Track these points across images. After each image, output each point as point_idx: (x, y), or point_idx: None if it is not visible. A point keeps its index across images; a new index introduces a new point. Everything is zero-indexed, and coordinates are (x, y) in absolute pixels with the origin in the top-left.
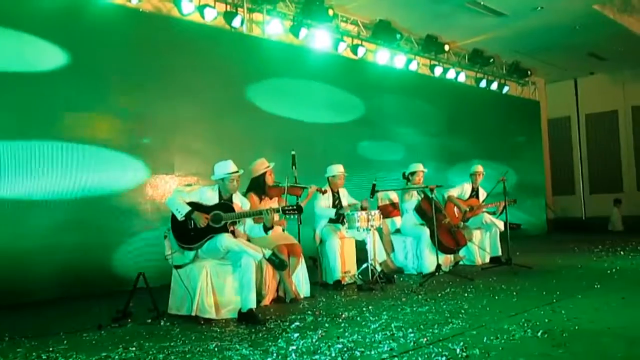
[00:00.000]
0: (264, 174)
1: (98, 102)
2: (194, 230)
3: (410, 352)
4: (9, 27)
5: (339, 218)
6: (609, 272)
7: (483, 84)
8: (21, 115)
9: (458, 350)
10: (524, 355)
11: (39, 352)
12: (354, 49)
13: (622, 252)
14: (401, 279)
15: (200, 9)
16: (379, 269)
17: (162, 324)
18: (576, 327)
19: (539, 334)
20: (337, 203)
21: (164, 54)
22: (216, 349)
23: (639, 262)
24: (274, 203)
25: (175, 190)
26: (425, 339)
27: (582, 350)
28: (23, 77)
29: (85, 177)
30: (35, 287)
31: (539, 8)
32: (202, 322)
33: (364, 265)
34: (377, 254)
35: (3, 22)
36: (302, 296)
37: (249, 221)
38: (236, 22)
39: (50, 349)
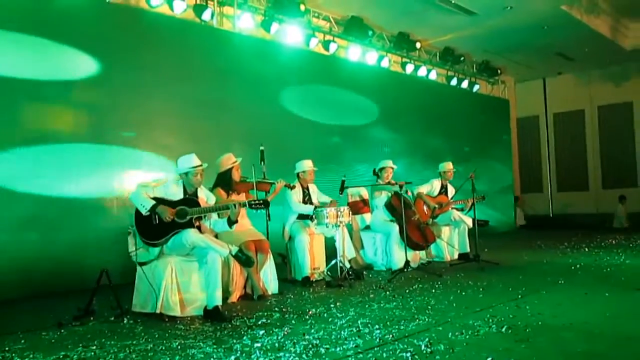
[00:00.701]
0: (230, 169)
1: (61, 95)
2: (159, 225)
3: (375, 349)
4: None
5: (310, 214)
6: (573, 268)
7: (454, 82)
8: None
9: (423, 346)
10: (488, 350)
11: None
12: (326, 44)
13: (586, 249)
14: (370, 275)
15: (169, 1)
16: (348, 265)
17: (125, 322)
18: (539, 323)
19: (503, 329)
20: (307, 199)
21: (132, 47)
22: (179, 347)
23: (602, 259)
24: (241, 198)
25: (139, 185)
26: (391, 335)
27: (544, 345)
28: None
29: (47, 173)
30: None
31: (509, 8)
32: (167, 320)
33: (333, 262)
34: (346, 250)
35: None
36: (270, 293)
37: (213, 215)
38: (206, 15)
39: (7, 348)
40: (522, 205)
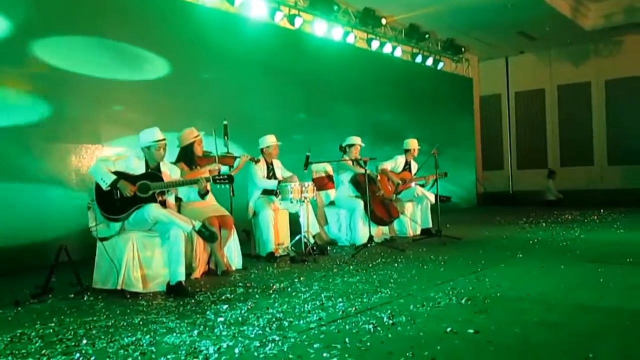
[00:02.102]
0: (192, 144)
1: (11, 56)
2: (120, 200)
3: (338, 321)
4: None
5: (273, 190)
6: (531, 242)
7: (419, 59)
8: None
9: (385, 318)
10: (448, 321)
11: None
12: (291, 19)
13: (544, 224)
14: (334, 250)
15: None
16: (312, 241)
17: (85, 299)
18: (498, 294)
19: (463, 301)
20: (271, 174)
21: (92, 16)
22: (141, 323)
23: (558, 233)
24: (205, 173)
25: (99, 159)
26: (353, 308)
27: (502, 316)
28: None
29: (3, 146)
30: None
31: None
32: (129, 296)
33: (297, 237)
34: (310, 225)
35: None
36: (234, 268)
37: (184, 187)
38: None
39: None
40: (483, 181)
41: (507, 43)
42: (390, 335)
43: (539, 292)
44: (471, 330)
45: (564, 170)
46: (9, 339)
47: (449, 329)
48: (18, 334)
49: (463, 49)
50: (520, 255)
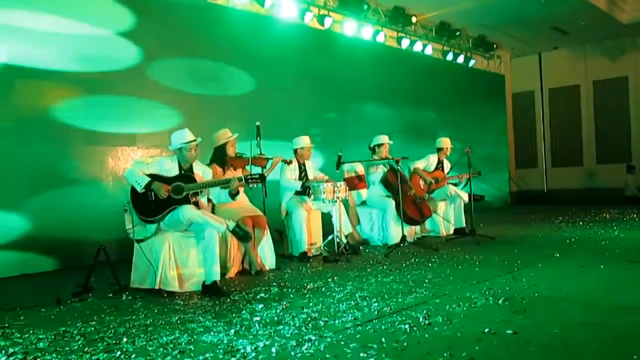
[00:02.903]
0: (225, 145)
1: (52, 68)
2: (155, 202)
3: (374, 321)
4: None
5: (305, 190)
6: (568, 241)
7: (449, 57)
8: None
9: (421, 318)
10: (486, 321)
11: None
12: (321, 19)
13: (581, 223)
14: (367, 250)
15: None
16: (344, 240)
17: (124, 298)
18: (536, 294)
19: (500, 301)
20: (303, 175)
21: (126, 22)
22: (179, 322)
23: (596, 232)
24: (237, 174)
25: (134, 161)
26: (389, 308)
27: (541, 316)
28: None
29: (45, 150)
30: None
31: None
32: (166, 295)
33: (330, 237)
34: (342, 225)
35: None
36: (267, 268)
37: (213, 189)
38: None
39: (6, 325)
40: (517, 180)
41: (540, 39)
42: (427, 336)
43: (578, 292)
44: (510, 331)
45: (599, 167)
46: (52, 337)
47: (486, 330)
48: (61, 332)
49: (495, 46)
50: (557, 255)
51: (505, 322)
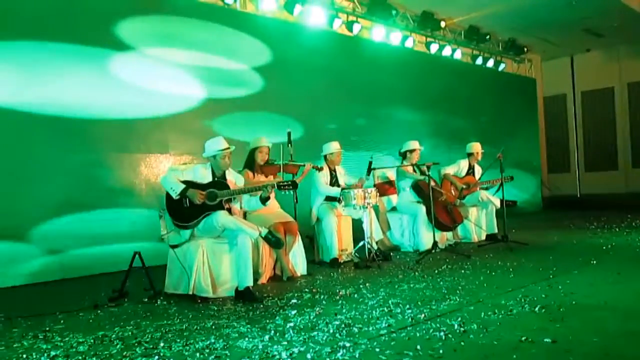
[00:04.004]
0: (254, 151)
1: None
2: (190, 208)
3: (408, 328)
4: None
5: (337, 197)
6: (604, 248)
7: (479, 61)
8: None
9: (456, 326)
10: (522, 329)
11: (35, 331)
12: (349, 25)
13: (617, 229)
14: (398, 256)
15: None
16: (375, 246)
17: (158, 303)
18: (573, 302)
19: (536, 309)
20: (334, 181)
21: (156, 31)
22: (214, 327)
23: (634, 239)
24: (268, 180)
25: (170, 168)
26: (422, 315)
27: (580, 325)
28: None
29: (81, 157)
30: (33, 268)
31: None
32: (199, 301)
33: (361, 243)
34: (373, 231)
35: None
36: (299, 274)
37: (244, 196)
38: None
39: (47, 328)
40: (549, 184)
41: (571, 41)
42: (462, 344)
43: (617, 300)
44: (548, 340)
45: (636, 172)
46: (92, 341)
47: (523, 338)
48: (100, 336)
49: (525, 49)
50: (594, 262)
51: (542, 331)
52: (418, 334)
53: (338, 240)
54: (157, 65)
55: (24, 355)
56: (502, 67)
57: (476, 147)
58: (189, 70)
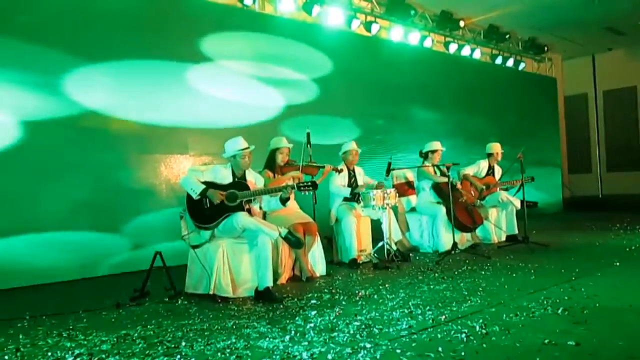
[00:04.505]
0: (275, 152)
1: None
2: (210, 209)
3: (429, 329)
4: None
5: (355, 197)
6: (627, 250)
7: (499, 60)
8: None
9: (477, 328)
10: (545, 332)
11: (59, 330)
12: (368, 25)
13: None
14: (417, 257)
15: None
16: (394, 247)
17: (179, 302)
18: (597, 305)
19: (559, 311)
20: (352, 181)
21: (174, 32)
22: (234, 327)
23: None
24: (286, 181)
25: (190, 169)
26: (443, 317)
27: (604, 328)
28: None
29: (99, 158)
30: (54, 267)
31: None
32: (220, 301)
33: (380, 244)
34: (392, 232)
35: None
36: (318, 274)
37: (265, 195)
38: (248, 0)
39: (71, 327)
40: (570, 185)
41: (593, 40)
42: (484, 345)
43: None
44: (572, 342)
45: None
46: (114, 339)
47: (546, 341)
48: (122, 335)
49: (546, 48)
50: (618, 264)
51: (566, 333)
52: (439, 336)
53: (357, 240)
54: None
55: (49, 353)
56: (522, 66)
57: (496, 147)
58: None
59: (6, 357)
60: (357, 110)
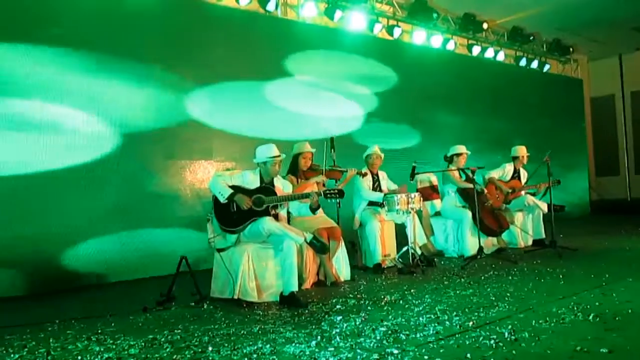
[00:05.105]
0: (298, 156)
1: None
2: (237, 213)
3: (457, 336)
4: None
5: (380, 201)
6: None
7: (523, 62)
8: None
9: (506, 334)
10: (576, 338)
11: (88, 334)
12: (390, 29)
13: None
14: (442, 262)
15: None
16: (419, 252)
17: (205, 307)
18: (629, 311)
19: (590, 317)
20: (376, 186)
21: (198, 39)
22: (260, 332)
23: None
24: (313, 186)
25: (217, 173)
26: (471, 323)
27: (638, 334)
28: None
29: (126, 163)
30: (82, 272)
31: None
32: (245, 306)
33: (404, 249)
34: (417, 236)
35: None
36: (342, 279)
37: (295, 202)
38: (270, 6)
39: (99, 331)
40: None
41: (620, 40)
42: (514, 352)
43: None
44: (604, 350)
45: None
46: (142, 344)
47: (578, 348)
48: (150, 339)
49: (571, 49)
50: None
51: (598, 340)
52: (467, 342)
53: (381, 245)
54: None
55: (79, 357)
56: (546, 68)
57: (522, 150)
58: None
59: None
60: (379, 115)
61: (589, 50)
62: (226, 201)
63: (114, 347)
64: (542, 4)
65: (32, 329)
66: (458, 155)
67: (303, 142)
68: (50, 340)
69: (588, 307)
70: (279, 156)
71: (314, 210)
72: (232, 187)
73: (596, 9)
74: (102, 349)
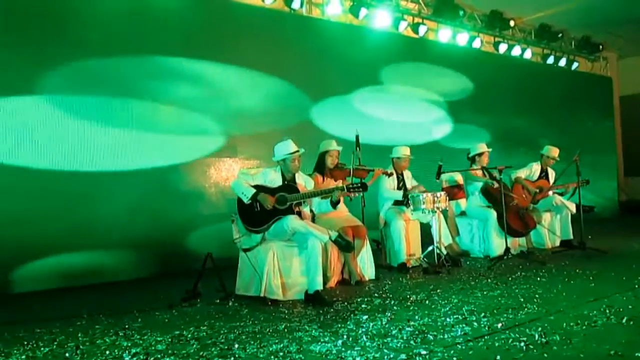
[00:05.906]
0: (324, 154)
1: (162, 91)
2: (260, 212)
3: (485, 337)
4: None
5: (404, 200)
6: None
7: (550, 60)
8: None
9: (537, 336)
10: (609, 342)
11: (115, 329)
12: (415, 27)
13: None
14: (467, 262)
15: None
16: (444, 251)
17: (230, 304)
18: None
19: (624, 320)
20: (401, 185)
21: (224, 38)
22: (286, 330)
23: None
24: (336, 184)
25: (240, 172)
26: (500, 324)
27: None
28: None
29: (152, 163)
30: (109, 268)
31: None
32: (270, 303)
33: (430, 248)
34: (442, 236)
35: None
36: (367, 278)
37: (316, 198)
38: (296, 4)
39: (126, 326)
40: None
41: None
42: (545, 355)
43: None
44: None
45: None
46: (169, 340)
47: (612, 352)
48: (176, 335)
49: (600, 47)
50: None
51: (633, 344)
52: (497, 344)
53: (406, 244)
54: None
55: (107, 352)
56: (575, 66)
57: (554, 151)
58: None
59: (67, 355)
60: (403, 112)
61: (618, 48)
62: (250, 201)
63: (141, 342)
64: (570, 1)
65: (61, 323)
66: (480, 154)
67: (330, 139)
68: (79, 335)
69: (621, 310)
70: (297, 151)
71: (334, 204)
72: (254, 186)
73: (626, 6)
74: (129, 344)
